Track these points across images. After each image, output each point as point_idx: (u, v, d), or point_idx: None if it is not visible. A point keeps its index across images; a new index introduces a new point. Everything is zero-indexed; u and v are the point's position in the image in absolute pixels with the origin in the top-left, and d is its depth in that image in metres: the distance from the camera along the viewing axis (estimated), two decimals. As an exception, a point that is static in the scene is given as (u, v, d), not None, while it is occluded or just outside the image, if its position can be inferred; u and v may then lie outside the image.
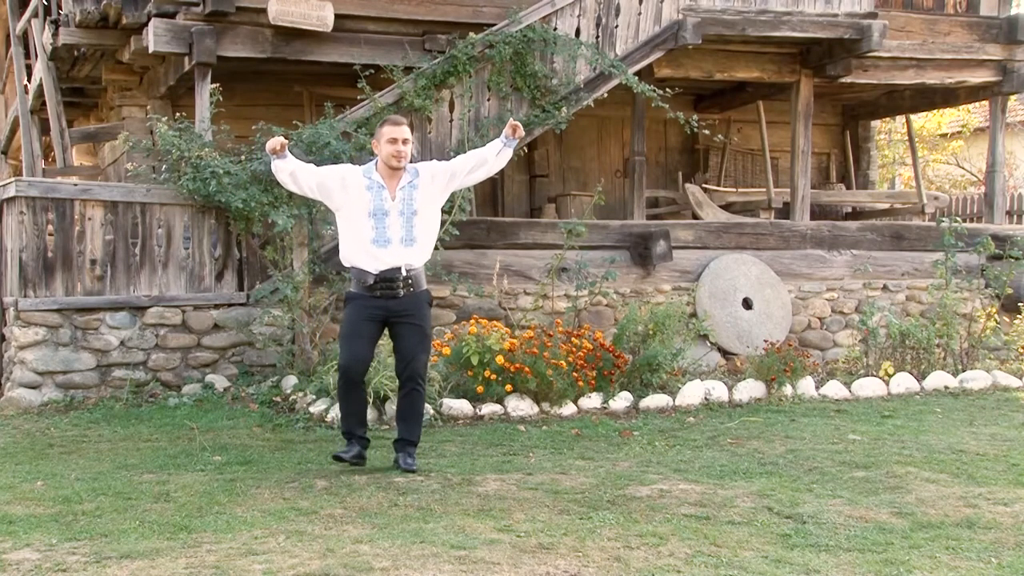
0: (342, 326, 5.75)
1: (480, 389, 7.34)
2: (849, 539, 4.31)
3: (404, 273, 5.52)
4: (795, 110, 10.97)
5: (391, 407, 7.03)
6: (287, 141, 5.67)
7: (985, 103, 12.91)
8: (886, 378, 8.64)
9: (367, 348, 5.63)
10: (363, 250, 5.53)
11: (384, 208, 5.50)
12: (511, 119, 5.84)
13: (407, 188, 5.55)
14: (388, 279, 5.51)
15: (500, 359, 7.27)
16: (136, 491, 5.10)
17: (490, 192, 12.14)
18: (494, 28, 9.14)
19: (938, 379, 8.72)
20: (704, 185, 12.46)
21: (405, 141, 5.56)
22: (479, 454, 6.08)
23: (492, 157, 5.75)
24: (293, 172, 5.67)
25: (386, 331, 5.73)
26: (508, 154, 5.78)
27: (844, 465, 5.76)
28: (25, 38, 12.16)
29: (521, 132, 5.73)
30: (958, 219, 10.41)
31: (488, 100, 9.16)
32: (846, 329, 10.74)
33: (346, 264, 5.70)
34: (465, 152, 6.50)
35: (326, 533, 4.35)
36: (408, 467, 5.57)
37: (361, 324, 5.58)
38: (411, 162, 5.71)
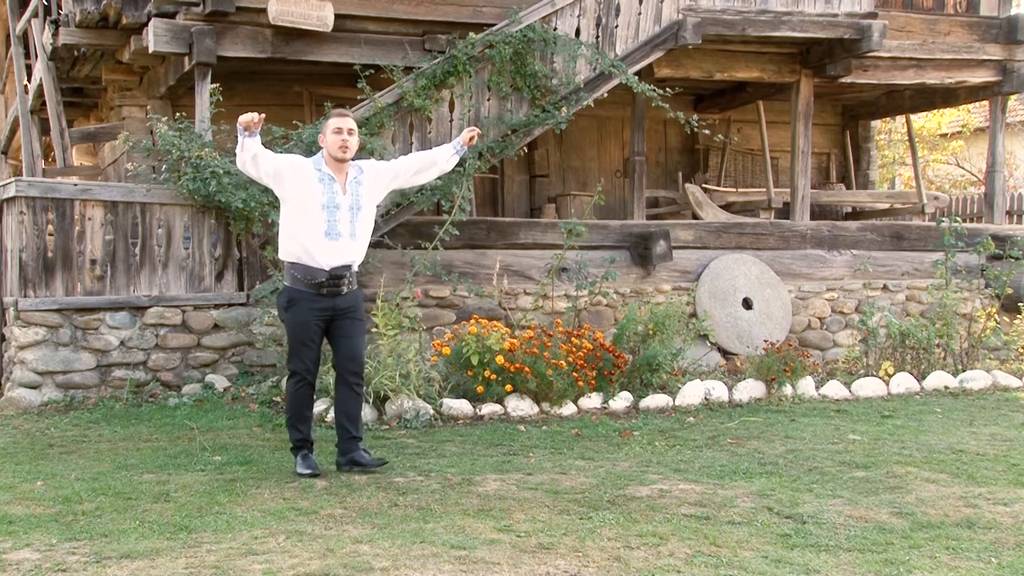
0: (291, 331, 5.56)
1: (480, 389, 7.34)
2: (849, 539, 4.31)
3: (350, 269, 5.51)
4: (795, 110, 10.98)
5: (391, 407, 7.04)
6: (263, 116, 5.54)
7: (985, 103, 12.91)
8: (886, 378, 8.64)
9: (319, 351, 5.59)
10: (315, 243, 5.43)
11: (336, 201, 5.46)
12: (470, 128, 5.85)
13: (353, 183, 5.54)
14: (338, 276, 5.47)
15: (500, 359, 7.27)
16: (136, 491, 5.10)
17: (490, 192, 12.14)
18: (494, 28, 9.14)
19: (938, 379, 8.72)
20: (704, 185, 12.46)
21: (351, 131, 5.52)
22: (479, 454, 6.08)
23: (442, 161, 5.82)
24: (256, 155, 5.51)
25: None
26: (456, 160, 5.87)
27: (844, 465, 5.76)
28: (25, 38, 12.16)
29: (475, 142, 5.76)
30: (958, 219, 10.41)
31: (488, 100, 9.16)
32: (846, 329, 10.75)
33: (290, 259, 5.53)
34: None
35: (326, 533, 4.35)
36: (373, 464, 5.58)
37: (312, 328, 5.50)
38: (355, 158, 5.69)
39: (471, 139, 5.81)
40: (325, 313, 5.50)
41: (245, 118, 5.39)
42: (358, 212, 5.52)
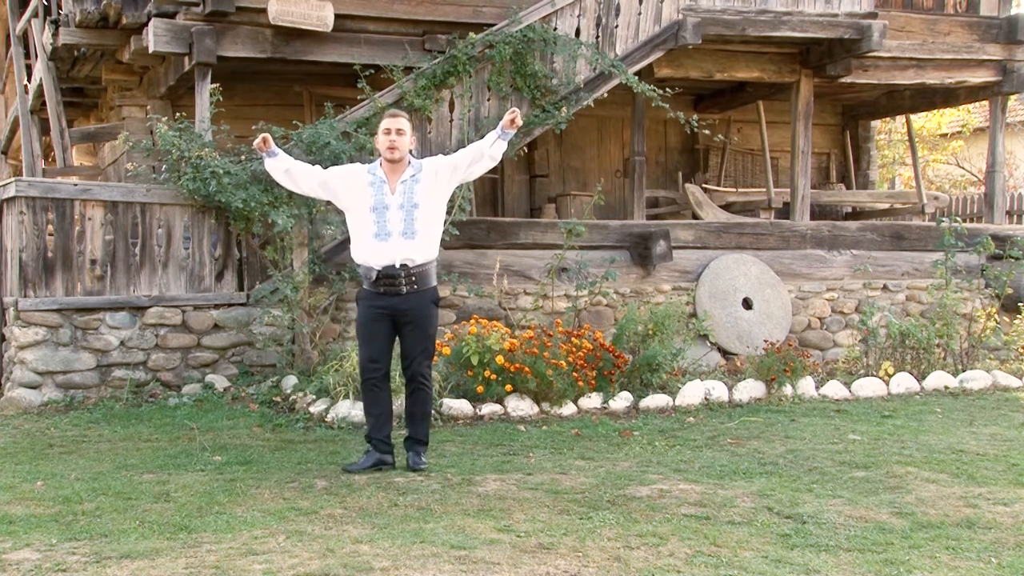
0: (357, 326, 5.80)
1: (480, 389, 7.34)
2: (849, 539, 4.31)
3: (406, 269, 5.52)
4: (795, 110, 10.98)
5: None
6: (268, 135, 5.67)
7: (985, 103, 12.91)
8: (886, 378, 8.64)
9: (381, 348, 5.64)
10: (366, 245, 5.54)
11: (384, 202, 5.51)
12: (512, 109, 5.79)
13: (408, 182, 5.56)
14: (390, 275, 5.51)
15: (500, 359, 7.27)
16: (136, 491, 5.10)
17: (490, 192, 12.14)
18: (494, 28, 9.14)
19: (938, 379, 8.72)
20: (704, 185, 12.46)
21: (399, 132, 5.54)
22: (479, 454, 6.08)
23: (487, 149, 5.71)
24: (288, 170, 5.72)
25: None
26: (502, 146, 5.70)
27: (844, 465, 5.76)
28: (25, 38, 12.17)
29: (519, 122, 5.67)
30: (958, 219, 10.41)
31: (488, 100, 9.16)
32: (846, 329, 10.74)
33: (356, 261, 5.71)
34: None
35: (326, 533, 4.35)
36: (416, 466, 5.60)
37: (372, 324, 5.61)
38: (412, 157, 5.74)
39: (512, 121, 5.62)
40: (385, 311, 5.56)
41: (255, 144, 5.65)
42: (414, 210, 5.52)
